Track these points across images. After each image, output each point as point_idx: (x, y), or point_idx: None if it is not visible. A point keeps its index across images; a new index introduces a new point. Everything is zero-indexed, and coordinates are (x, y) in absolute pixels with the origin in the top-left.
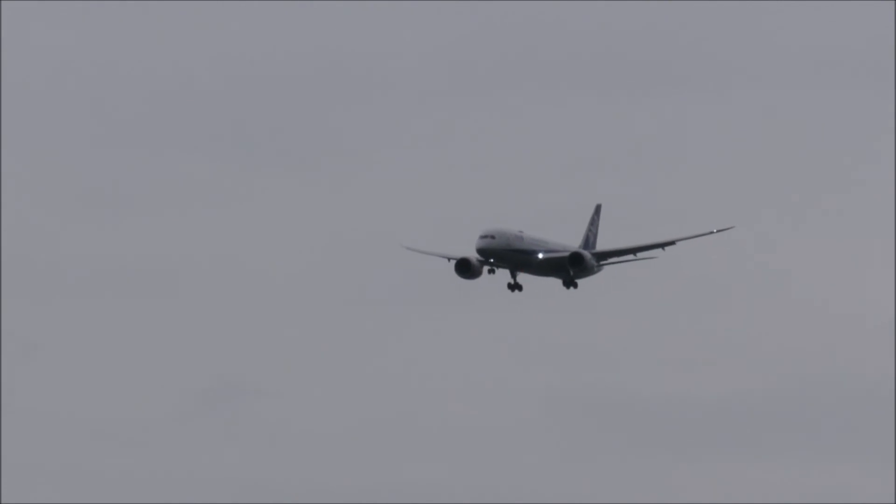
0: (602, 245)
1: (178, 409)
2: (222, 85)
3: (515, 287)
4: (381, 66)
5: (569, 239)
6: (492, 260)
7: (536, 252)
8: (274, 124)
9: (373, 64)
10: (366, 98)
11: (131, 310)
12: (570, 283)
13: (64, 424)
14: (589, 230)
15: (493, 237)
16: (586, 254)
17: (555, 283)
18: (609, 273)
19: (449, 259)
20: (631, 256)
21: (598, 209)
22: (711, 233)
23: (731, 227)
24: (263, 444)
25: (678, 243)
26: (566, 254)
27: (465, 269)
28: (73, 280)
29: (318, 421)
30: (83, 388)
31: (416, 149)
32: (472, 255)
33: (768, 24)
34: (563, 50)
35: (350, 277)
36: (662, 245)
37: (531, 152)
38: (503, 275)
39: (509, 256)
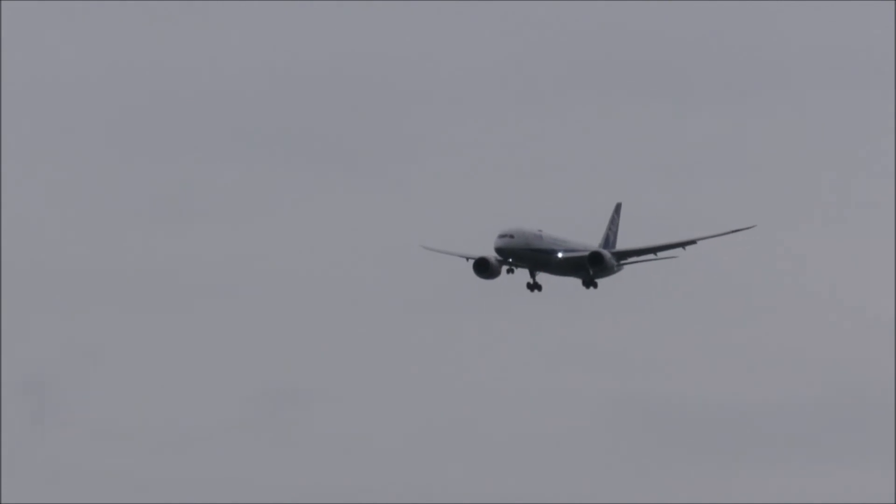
0: (622, 244)
1: (225, 417)
2: (263, 89)
3: (535, 287)
4: (421, 70)
5: (589, 238)
6: (510, 259)
7: (556, 251)
8: (317, 129)
9: (414, 68)
10: (408, 102)
11: (173, 318)
12: (590, 282)
13: (120, 431)
14: (609, 229)
15: (511, 236)
16: (606, 253)
17: (574, 282)
18: (629, 273)
19: (467, 259)
20: (651, 256)
21: (618, 208)
22: (732, 231)
23: (753, 226)
24: (309, 450)
25: (699, 242)
26: (586, 253)
27: (484, 269)
28: (122, 288)
29: (363, 426)
30: (136, 395)
31: (459, 153)
32: (491, 255)
33: (771, 25)
34: (585, 54)
35: (396, 282)
36: (683, 244)
37: (569, 156)
38: (522, 275)
39: (528, 256)
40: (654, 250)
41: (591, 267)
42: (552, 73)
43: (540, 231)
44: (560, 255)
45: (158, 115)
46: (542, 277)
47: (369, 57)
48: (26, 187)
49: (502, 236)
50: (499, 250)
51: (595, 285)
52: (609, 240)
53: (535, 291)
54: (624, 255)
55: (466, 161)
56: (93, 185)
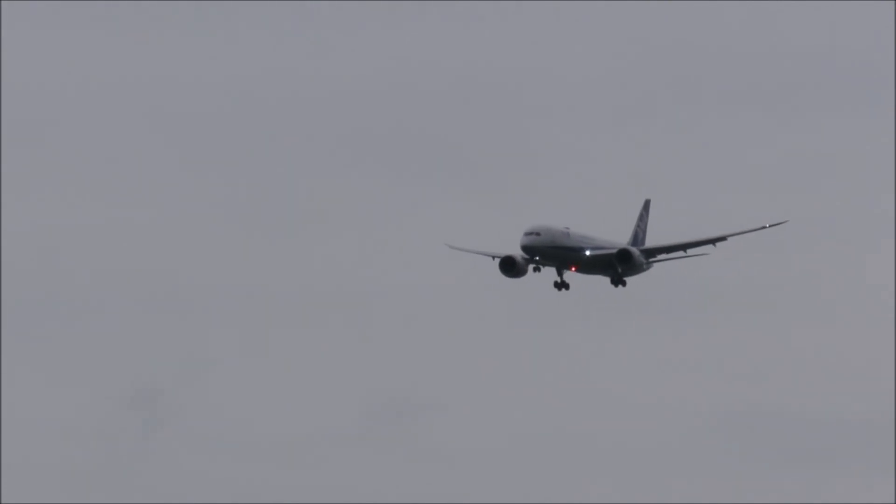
0: (651, 241)
1: (330, 427)
2: (372, 97)
3: (562, 286)
4: (536, 81)
5: (617, 235)
6: (537, 258)
7: (583, 249)
8: (430, 138)
9: (528, 79)
10: (524, 114)
11: (287, 330)
12: (618, 281)
13: (237, 439)
14: (638, 226)
15: (538, 234)
16: (634, 251)
17: (603, 281)
18: (658, 270)
19: (493, 258)
20: (681, 253)
21: (647, 205)
22: (764, 227)
23: (785, 222)
24: (422, 460)
25: (729, 239)
26: (614, 251)
27: (510, 267)
28: (238, 302)
29: (479, 436)
30: (245, 406)
31: (579, 165)
32: (517, 253)
33: (771, 26)
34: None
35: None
36: (713, 241)
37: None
38: (549, 273)
39: (555, 254)
40: (683, 247)
41: (619, 265)
42: (596, 77)
43: (567, 229)
44: (588, 253)
45: (279, 126)
46: (569, 276)
47: (482, 66)
48: (143, 197)
49: (529, 234)
50: (525, 248)
51: (624, 283)
52: (638, 237)
53: (563, 290)
54: (653, 253)
55: (605, 177)
56: (207, 197)
